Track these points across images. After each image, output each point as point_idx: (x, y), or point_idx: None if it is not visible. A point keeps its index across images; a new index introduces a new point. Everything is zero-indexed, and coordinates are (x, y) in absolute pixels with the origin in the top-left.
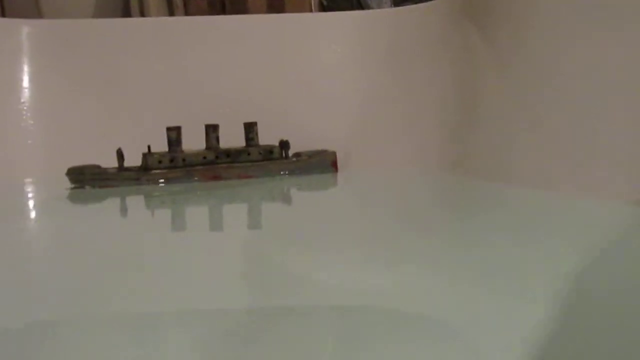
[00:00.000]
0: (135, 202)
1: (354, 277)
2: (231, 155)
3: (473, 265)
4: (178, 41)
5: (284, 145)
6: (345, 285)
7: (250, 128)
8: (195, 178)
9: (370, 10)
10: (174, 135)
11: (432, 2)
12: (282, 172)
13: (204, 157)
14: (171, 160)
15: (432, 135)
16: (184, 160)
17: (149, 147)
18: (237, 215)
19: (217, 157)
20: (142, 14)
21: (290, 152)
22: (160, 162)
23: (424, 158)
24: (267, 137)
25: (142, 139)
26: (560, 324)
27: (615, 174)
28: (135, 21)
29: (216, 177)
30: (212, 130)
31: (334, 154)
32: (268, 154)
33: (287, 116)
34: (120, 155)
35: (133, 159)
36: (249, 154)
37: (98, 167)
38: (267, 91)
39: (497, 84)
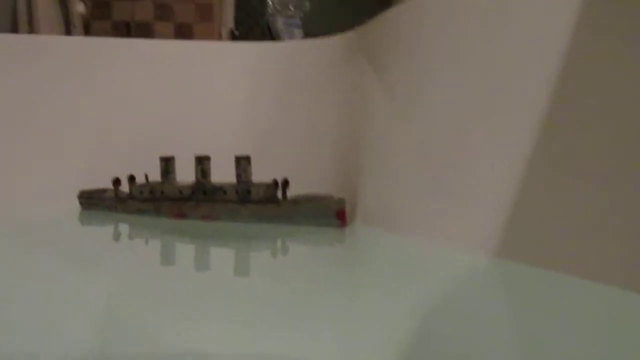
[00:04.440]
0: (85, 229)
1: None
2: (207, 192)
3: (336, 314)
4: (76, 61)
5: (279, 186)
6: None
7: (238, 163)
8: (163, 213)
9: (273, 42)
10: (163, 165)
11: (331, 37)
12: (257, 220)
13: (180, 192)
14: (151, 192)
15: (326, 174)
16: (162, 192)
17: (146, 175)
18: (137, 262)
19: (193, 193)
20: (32, 30)
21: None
22: (141, 192)
23: None
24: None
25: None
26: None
27: (472, 224)
28: (28, 38)
29: (181, 215)
30: (198, 162)
31: (340, 202)
32: (246, 194)
33: (182, 148)
34: (117, 181)
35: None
36: (225, 193)
37: (104, 191)
38: (161, 117)
39: (385, 123)
